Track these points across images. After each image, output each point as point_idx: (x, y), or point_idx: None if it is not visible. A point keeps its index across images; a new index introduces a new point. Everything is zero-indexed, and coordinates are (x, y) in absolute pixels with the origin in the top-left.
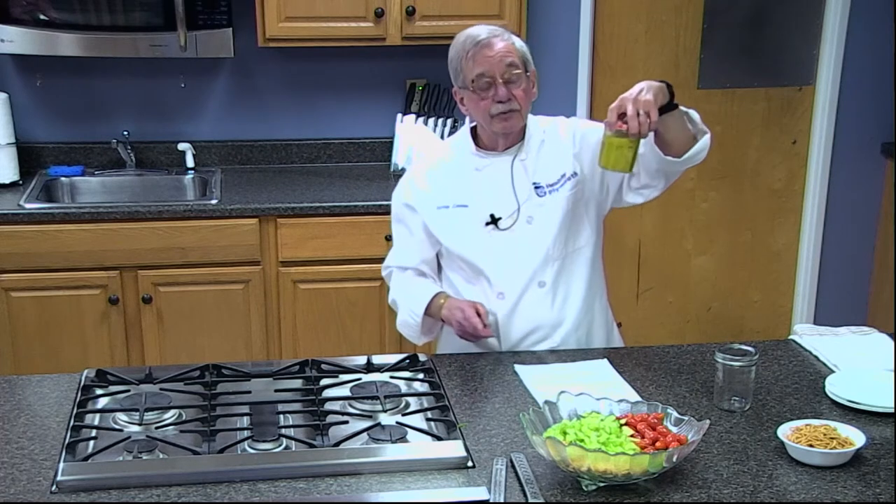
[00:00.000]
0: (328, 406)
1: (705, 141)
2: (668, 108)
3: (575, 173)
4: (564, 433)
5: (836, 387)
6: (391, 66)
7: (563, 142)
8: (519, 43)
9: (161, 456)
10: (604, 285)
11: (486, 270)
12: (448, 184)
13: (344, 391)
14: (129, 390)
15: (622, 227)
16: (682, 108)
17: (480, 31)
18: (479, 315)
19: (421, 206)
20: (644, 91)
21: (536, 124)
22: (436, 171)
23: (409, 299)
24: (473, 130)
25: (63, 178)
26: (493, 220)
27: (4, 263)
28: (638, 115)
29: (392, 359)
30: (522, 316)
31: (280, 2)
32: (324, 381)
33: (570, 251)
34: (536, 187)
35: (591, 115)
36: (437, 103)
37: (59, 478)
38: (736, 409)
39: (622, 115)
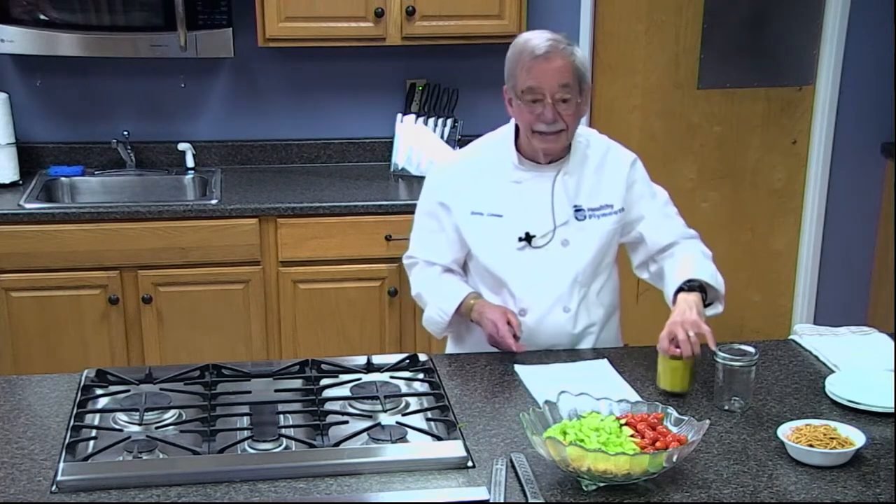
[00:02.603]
0: (328, 406)
1: (717, 310)
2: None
3: (622, 208)
4: (564, 433)
5: (836, 387)
6: (391, 66)
7: (618, 172)
8: (579, 56)
9: (161, 456)
10: (619, 307)
11: (511, 286)
12: (484, 189)
13: (344, 391)
14: (129, 390)
15: None
16: (710, 281)
17: (541, 41)
18: (510, 325)
19: (455, 207)
20: (688, 311)
21: (587, 138)
22: (473, 172)
23: (438, 297)
24: (516, 132)
25: (63, 178)
26: (527, 238)
27: (4, 263)
28: (689, 337)
29: (392, 359)
30: (542, 335)
31: (280, 2)
32: (324, 381)
33: (598, 277)
34: (576, 210)
35: (591, 115)
36: (437, 103)
37: (59, 478)
38: (736, 410)
39: (673, 339)
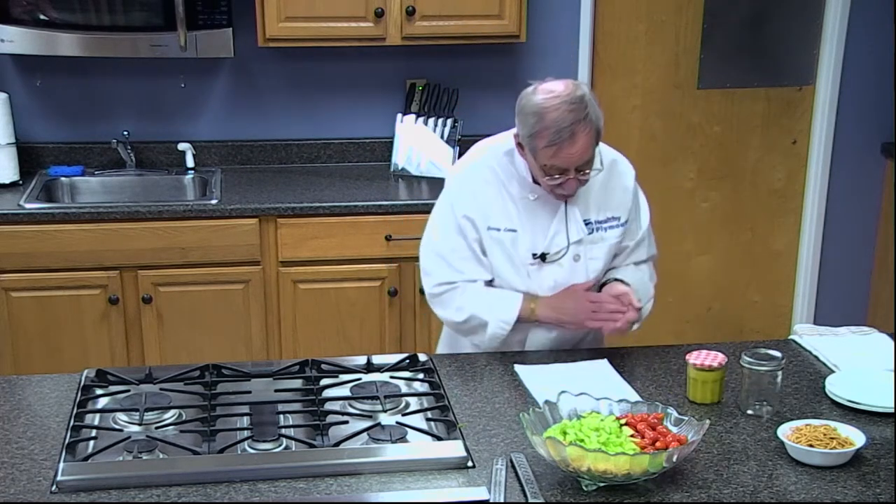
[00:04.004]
0: (328, 406)
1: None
2: None
3: (627, 220)
4: (564, 433)
5: (836, 387)
6: (391, 66)
7: (625, 185)
8: (594, 114)
9: (161, 456)
10: None
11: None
12: (500, 205)
13: (344, 391)
14: (129, 390)
15: None
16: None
17: (561, 113)
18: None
19: (478, 220)
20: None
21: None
22: (489, 186)
23: (495, 310)
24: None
25: (63, 178)
26: (541, 256)
27: (4, 263)
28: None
29: (392, 359)
30: (552, 343)
31: (280, 2)
32: (324, 381)
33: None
34: (585, 223)
35: None
36: (437, 103)
37: (59, 478)
38: (763, 415)
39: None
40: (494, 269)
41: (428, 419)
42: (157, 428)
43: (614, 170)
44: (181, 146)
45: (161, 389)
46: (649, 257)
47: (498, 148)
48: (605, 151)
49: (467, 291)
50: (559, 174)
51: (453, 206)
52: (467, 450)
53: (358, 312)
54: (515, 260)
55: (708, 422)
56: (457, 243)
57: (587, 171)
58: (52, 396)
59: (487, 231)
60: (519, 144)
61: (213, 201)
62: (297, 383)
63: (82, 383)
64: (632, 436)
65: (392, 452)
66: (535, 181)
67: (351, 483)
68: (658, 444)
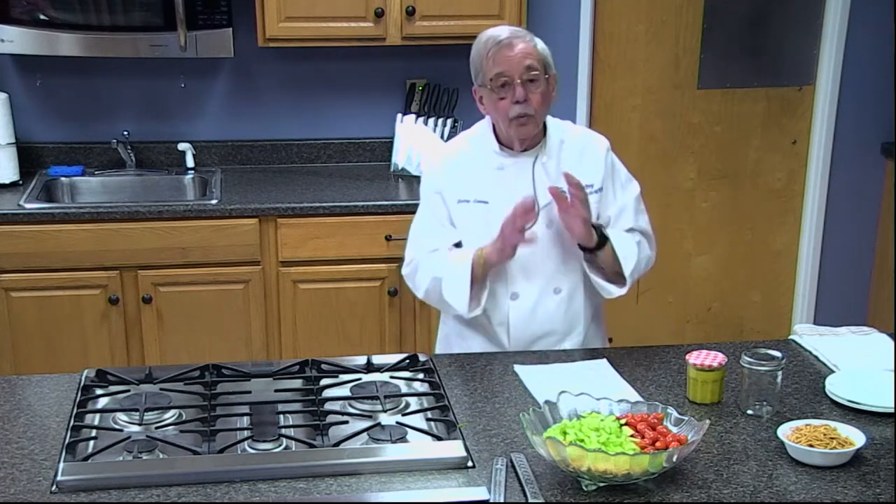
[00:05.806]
0: (328, 406)
1: (611, 292)
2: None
3: (601, 188)
4: (564, 433)
5: (836, 387)
6: (391, 66)
7: (597, 153)
8: (541, 45)
9: (161, 456)
10: (603, 300)
11: (500, 270)
12: (470, 178)
13: (344, 391)
14: (129, 390)
15: None
16: (617, 250)
17: (502, 31)
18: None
19: (447, 195)
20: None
21: (562, 128)
22: (459, 163)
23: (450, 269)
24: (494, 126)
25: (63, 178)
26: None
27: (4, 263)
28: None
29: (392, 359)
30: (536, 320)
31: (280, 2)
32: (324, 381)
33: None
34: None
35: (591, 115)
36: (437, 103)
37: (59, 478)
38: (763, 415)
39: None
40: (465, 240)
41: (428, 419)
42: (157, 428)
43: (587, 142)
44: (181, 146)
45: (161, 389)
46: (635, 228)
47: (470, 133)
48: (575, 126)
49: (429, 261)
50: (506, 86)
51: (429, 185)
52: (467, 450)
53: (358, 312)
54: (487, 231)
55: (708, 422)
56: (428, 221)
57: (533, 78)
58: (52, 396)
59: (458, 204)
60: (479, 99)
61: (213, 201)
62: (297, 383)
63: (82, 383)
64: (632, 436)
65: (392, 452)
66: (501, 144)
67: (351, 483)
68: (658, 444)
